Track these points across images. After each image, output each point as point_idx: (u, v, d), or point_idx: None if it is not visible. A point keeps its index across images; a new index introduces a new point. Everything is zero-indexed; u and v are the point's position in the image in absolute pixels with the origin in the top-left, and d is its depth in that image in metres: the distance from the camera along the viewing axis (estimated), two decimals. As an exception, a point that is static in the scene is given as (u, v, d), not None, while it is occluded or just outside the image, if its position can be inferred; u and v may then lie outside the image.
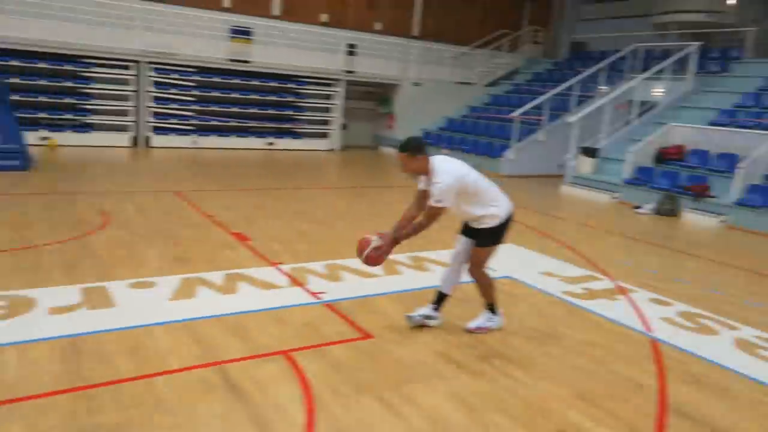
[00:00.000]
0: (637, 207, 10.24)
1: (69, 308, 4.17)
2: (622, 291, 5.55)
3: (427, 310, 4.33)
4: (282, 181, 10.58)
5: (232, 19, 15.04)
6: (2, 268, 4.89)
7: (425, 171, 3.95)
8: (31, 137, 11.23)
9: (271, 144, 15.34)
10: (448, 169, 3.90)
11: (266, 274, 5.27)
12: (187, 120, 14.34)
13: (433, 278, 5.49)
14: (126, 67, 13.37)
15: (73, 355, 3.49)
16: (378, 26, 17.63)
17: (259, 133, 15.33)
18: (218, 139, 14.65)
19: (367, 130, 18.50)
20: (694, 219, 9.53)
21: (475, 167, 4.16)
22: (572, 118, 12.64)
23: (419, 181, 4.08)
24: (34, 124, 12.41)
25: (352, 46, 16.70)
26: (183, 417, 2.96)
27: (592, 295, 5.37)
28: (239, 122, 15.10)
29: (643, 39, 15.84)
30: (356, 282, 5.25)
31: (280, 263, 5.60)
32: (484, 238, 4.09)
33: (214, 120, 14.74)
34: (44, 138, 12.36)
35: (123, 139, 13.54)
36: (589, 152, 11.93)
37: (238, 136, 14.95)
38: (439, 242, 6.82)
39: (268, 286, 4.98)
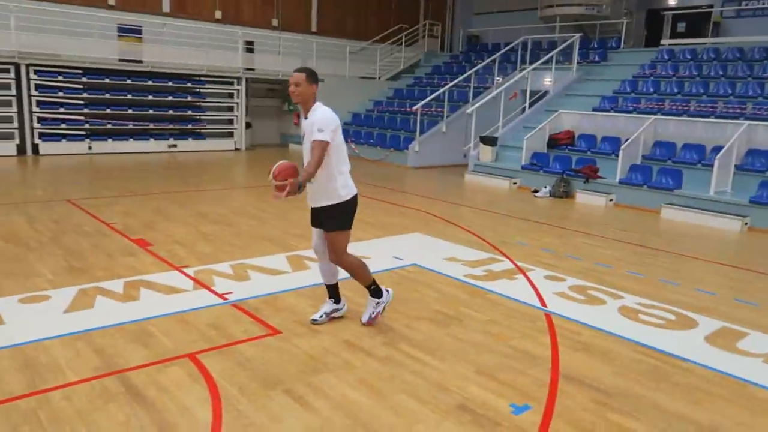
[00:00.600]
0: (536, 191, 10.83)
1: (-51, 330, 3.87)
2: (521, 271, 5.88)
3: (327, 306, 4.33)
4: (185, 184, 10.25)
5: (120, 17, 14.32)
6: None
7: (311, 101, 3.82)
8: None
9: (173, 146, 14.78)
10: (329, 110, 3.86)
11: (169, 278, 5.13)
12: (80, 125, 13.52)
13: (341, 271, 5.58)
14: (6, 71, 12.40)
15: (-44, 379, 3.25)
16: (275, 23, 17.43)
17: (160, 135, 14.72)
18: (115, 143, 13.94)
19: (274, 129, 18.28)
20: (585, 199, 10.21)
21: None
22: (470, 109, 13.14)
23: (301, 119, 4.00)
24: None
25: (250, 43, 16.42)
26: (82, 429, 2.85)
27: (493, 276, 5.65)
28: (137, 125, 14.43)
29: (532, 31, 16.71)
30: (263, 280, 5.22)
31: (184, 267, 5.47)
32: (335, 218, 3.93)
33: (108, 123, 13.99)
34: None
35: (8, 147, 12.56)
36: (489, 141, 12.45)
37: (136, 140, 14.29)
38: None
39: (171, 290, 4.85)
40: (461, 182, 12.16)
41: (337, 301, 4.36)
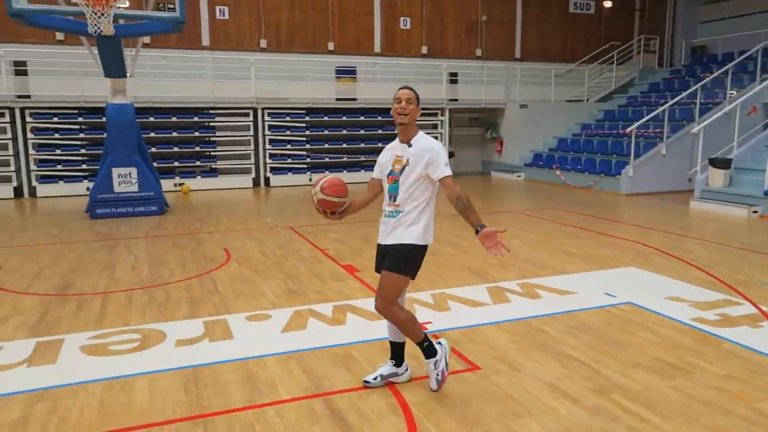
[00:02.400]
0: (781, 220, 9.17)
1: (192, 340, 4.46)
2: (767, 317, 4.94)
3: (386, 368, 3.68)
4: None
5: (337, 60, 15.74)
6: (139, 303, 5.36)
7: (413, 129, 3.46)
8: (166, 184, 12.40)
9: (380, 176, 15.65)
10: (436, 141, 3.49)
11: (373, 304, 5.30)
12: (302, 159, 15.09)
13: (545, 306, 5.26)
14: (246, 114, 14.40)
15: (194, 385, 3.70)
16: (479, 53, 17.61)
17: (369, 166, 15.69)
18: (331, 175, 15.21)
19: (476, 157, 18.37)
20: None
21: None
22: (696, 128, 11.70)
23: (384, 159, 3.56)
24: (169, 172, 13.68)
25: (453, 74, 16.81)
26: (291, 448, 3.01)
27: (729, 322, 4.83)
28: (350, 158, 15.62)
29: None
30: (464, 311, 5.13)
31: (387, 294, 5.62)
32: (403, 261, 3.36)
33: (326, 157, 15.37)
34: (178, 184, 13.56)
35: (246, 180, 14.51)
36: (721, 163, 10.92)
37: (349, 171, 15.44)
38: (548, 268, 6.55)
39: (375, 317, 4.99)
40: (685, 210, 10.81)
41: (399, 364, 3.68)
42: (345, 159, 15.57)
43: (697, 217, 10.18)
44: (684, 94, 13.82)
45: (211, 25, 14.74)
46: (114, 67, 9.71)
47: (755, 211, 9.91)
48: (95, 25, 8.86)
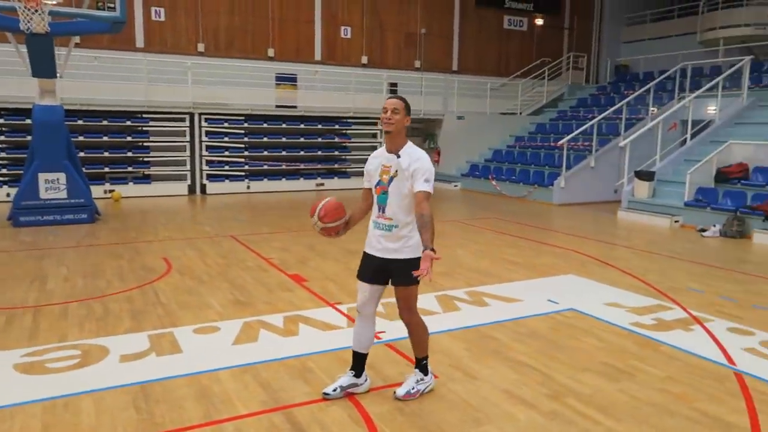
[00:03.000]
0: (703, 230, 9.80)
1: (138, 355, 4.24)
2: (697, 321, 5.25)
3: (346, 379, 3.64)
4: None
5: (278, 67, 15.55)
6: (75, 317, 5.04)
7: (402, 136, 3.41)
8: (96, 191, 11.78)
9: (320, 185, 15.58)
10: (425, 153, 3.43)
11: (325, 314, 5.25)
12: (240, 166, 14.76)
13: (493, 313, 5.37)
14: (182, 120, 13.94)
15: (144, 402, 3.52)
16: (417, 64, 17.88)
17: (309, 174, 15.61)
18: (269, 183, 14.99)
19: (414, 166, 18.57)
20: (765, 240, 9.02)
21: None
22: (623, 142, 12.35)
23: (371, 169, 3.54)
24: (99, 179, 13.02)
25: (393, 85, 16.99)
26: (253, 465, 2.92)
27: (664, 326, 5.10)
28: (289, 165, 15.43)
29: (689, 57, 15.48)
30: (416, 320, 5.15)
31: (337, 303, 5.59)
32: (408, 273, 3.28)
33: (265, 165, 15.11)
34: (109, 191, 12.93)
35: (181, 187, 14.02)
36: (645, 176, 11.56)
37: (288, 179, 15.26)
38: (493, 276, 6.70)
39: (327, 327, 4.95)
40: (614, 220, 11.37)
41: (359, 374, 3.66)
42: (284, 167, 15.37)
43: (625, 226, 10.72)
44: (610, 110, 14.56)
45: (146, 27, 14.21)
46: (43, 67, 9.16)
47: (677, 221, 10.55)
48: (27, 21, 8.33)
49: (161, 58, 14.05)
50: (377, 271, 3.49)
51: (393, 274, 3.46)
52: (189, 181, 14.15)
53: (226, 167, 14.58)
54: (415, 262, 3.31)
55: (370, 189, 3.56)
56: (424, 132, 18.24)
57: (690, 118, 12.69)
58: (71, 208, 9.62)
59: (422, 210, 3.25)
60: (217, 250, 7.90)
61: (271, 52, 15.74)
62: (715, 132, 12.48)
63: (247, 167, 14.89)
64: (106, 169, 13.36)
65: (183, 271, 6.78)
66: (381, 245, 3.46)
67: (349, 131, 16.19)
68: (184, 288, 6.07)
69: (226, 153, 14.58)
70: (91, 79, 12.87)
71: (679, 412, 3.53)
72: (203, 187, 14.27)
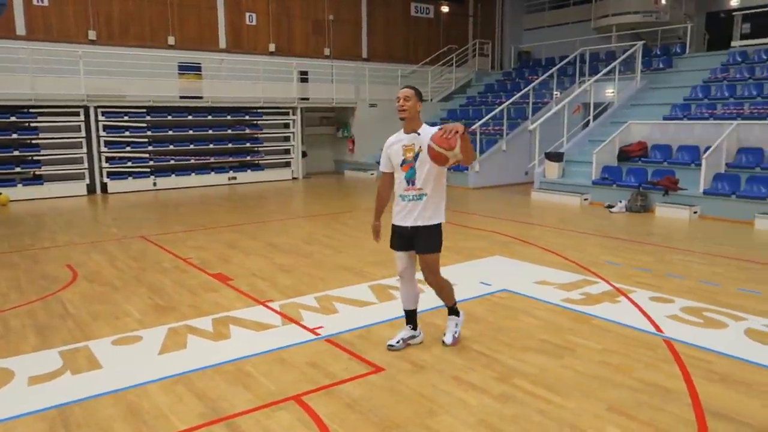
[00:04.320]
0: (610, 206, 10.33)
1: (50, 376, 3.79)
2: (621, 293, 5.48)
3: (405, 332, 4.22)
4: (249, 216, 10.25)
5: (180, 56, 14.71)
6: (-33, 340, 4.46)
7: (416, 119, 3.88)
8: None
9: (232, 178, 14.97)
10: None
11: (256, 314, 4.98)
12: (144, 162, 13.86)
13: (430, 299, 5.32)
14: (76, 114, 12.85)
15: (64, 428, 3.13)
16: (327, 52, 17.59)
17: (220, 168, 14.95)
18: (178, 178, 14.20)
19: (328, 156, 18.33)
20: (666, 213, 9.65)
21: None
22: (532, 125, 12.78)
23: (392, 150, 3.93)
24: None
25: (304, 73, 16.60)
26: (200, 486, 2.66)
27: (592, 300, 5.27)
28: (198, 159, 14.70)
29: (586, 43, 16.29)
30: (352, 312, 5.01)
31: (268, 301, 5.32)
32: (435, 238, 3.92)
33: (171, 159, 14.29)
34: (-8, 194, 11.70)
35: (79, 187, 12.95)
36: (555, 157, 12.04)
37: (198, 174, 14.53)
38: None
39: (261, 327, 4.69)
40: (528, 200, 11.76)
41: (415, 327, 4.25)
42: (193, 161, 14.62)
43: (538, 206, 11.11)
44: (517, 95, 15.04)
45: (27, 12, 12.91)
46: None
47: (586, 199, 11.07)
48: None
49: (47, 47, 12.84)
50: (408, 238, 3.94)
51: (418, 242, 3.91)
52: (87, 180, 13.08)
53: (129, 163, 13.64)
54: (440, 228, 3.93)
55: (389, 173, 4.00)
56: (337, 120, 18.02)
57: (591, 101, 13.36)
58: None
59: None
60: (127, 253, 7.32)
61: (171, 40, 14.85)
62: (615, 113, 13.22)
63: (152, 163, 14.00)
64: (-10, 171, 12.08)
65: (91, 277, 6.21)
66: (412, 215, 3.90)
67: (260, 122, 15.65)
68: (95, 296, 5.55)
69: (128, 148, 13.63)
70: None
71: (621, 383, 3.62)
72: (104, 186, 13.27)
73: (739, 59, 13.00)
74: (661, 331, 4.48)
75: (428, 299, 4.69)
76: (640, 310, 4.98)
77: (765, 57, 12.66)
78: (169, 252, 7.34)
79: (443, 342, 4.20)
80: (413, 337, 4.22)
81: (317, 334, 4.51)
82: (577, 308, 5.04)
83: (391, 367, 3.88)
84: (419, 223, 3.90)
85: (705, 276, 6.07)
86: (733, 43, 13.92)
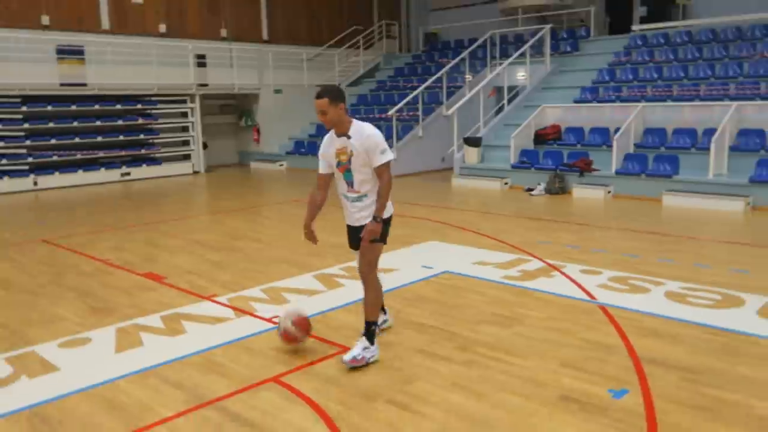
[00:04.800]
0: (530, 190, 11.39)
1: (4, 381, 3.95)
2: (555, 268, 6.32)
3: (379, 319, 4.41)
4: (159, 213, 10.29)
5: (58, 38, 14.18)
6: None
7: (344, 123, 3.94)
8: None
9: (126, 174, 14.68)
10: (372, 126, 4.00)
11: (205, 309, 5.30)
12: (22, 159, 13.28)
13: (389, 280, 5.88)
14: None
15: (46, 425, 3.37)
16: (224, 33, 17.55)
17: (111, 163, 14.60)
18: (62, 176, 13.73)
19: (231, 147, 18.34)
20: (583, 194, 10.84)
21: None
22: (449, 110, 13.66)
23: (327, 154, 4.10)
24: None
25: (201, 57, 16.50)
26: (209, 460, 3.04)
27: (530, 276, 6.06)
28: (86, 154, 14.27)
29: (493, 26, 17.46)
30: (304, 301, 5.45)
31: (212, 296, 5.64)
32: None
33: (54, 155, 13.78)
34: None
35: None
36: (473, 142, 12.98)
37: (86, 170, 14.12)
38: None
39: (215, 320, 5.03)
40: (450, 186, 12.62)
41: (384, 312, 4.64)
42: (79, 156, 14.17)
43: (461, 192, 12.00)
44: (430, 79, 15.87)
45: None
46: None
47: (506, 183, 12.10)
48: None
49: None
50: (354, 238, 4.19)
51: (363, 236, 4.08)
52: (-47, 182, 12.38)
53: (4, 161, 13.02)
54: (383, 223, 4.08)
55: (327, 173, 4.19)
56: (240, 108, 18.07)
57: (505, 84, 14.47)
58: None
59: (382, 181, 3.99)
60: (34, 258, 7.26)
61: (45, 20, 14.25)
62: (528, 97, 14.42)
63: (31, 159, 13.45)
64: None
65: (3, 285, 6.18)
66: (357, 215, 4.13)
67: (154, 111, 15.42)
68: (17, 304, 5.59)
69: (2, 144, 13.00)
70: None
71: (569, 343, 4.38)
72: (-26, 188, 12.61)
73: (640, 43, 14.63)
74: (594, 299, 5.32)
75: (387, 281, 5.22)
76: (574, 282, 5.83)
77: (663, 41, 14.34)
78: (83, 254, 7.36)
79: (341, 358, 4.04)
80: (385, 321, 4.63)
81: (275, 323, 4.91)
82: (518, 284, 5.81)
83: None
84: (364, 223, 4.08)
85: (625, 249, 7.09)
86: (633, 27, 15.59)
